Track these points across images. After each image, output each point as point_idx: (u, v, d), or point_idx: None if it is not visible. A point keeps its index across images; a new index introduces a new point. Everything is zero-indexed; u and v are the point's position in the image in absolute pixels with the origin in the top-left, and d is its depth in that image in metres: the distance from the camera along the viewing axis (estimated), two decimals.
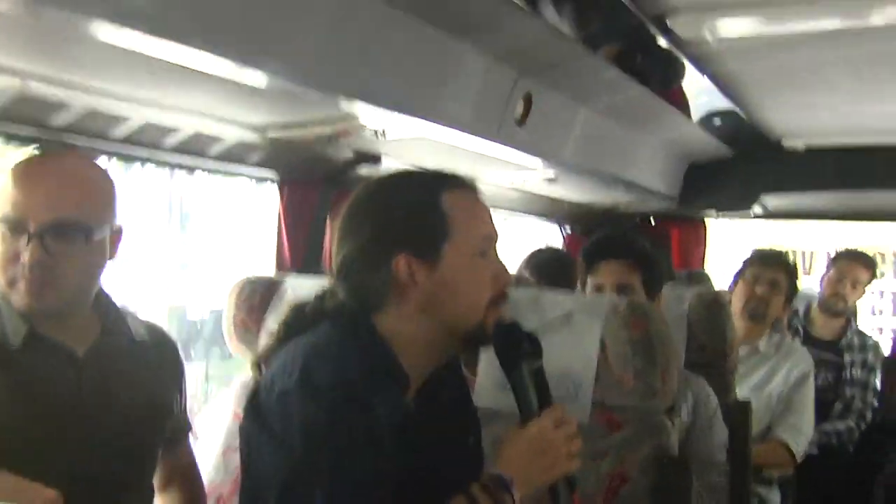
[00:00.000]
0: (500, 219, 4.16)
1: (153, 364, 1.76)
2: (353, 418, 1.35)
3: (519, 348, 1.48)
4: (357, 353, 1.42)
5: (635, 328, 1.86)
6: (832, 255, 4.05)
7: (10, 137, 1.96)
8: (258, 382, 1.46)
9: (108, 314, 1.71)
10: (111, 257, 1.67)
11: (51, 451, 1.54)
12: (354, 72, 1.98)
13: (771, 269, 3.24)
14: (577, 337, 1.90)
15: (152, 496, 1.79)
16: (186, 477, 1.91)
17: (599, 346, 1.88)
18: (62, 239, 1.56)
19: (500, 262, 1.52)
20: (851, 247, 4.06)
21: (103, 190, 1.64)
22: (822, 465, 3.48)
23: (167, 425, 1.79)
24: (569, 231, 4.56)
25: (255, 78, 1.75)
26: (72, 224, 1.56)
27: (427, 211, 1.46)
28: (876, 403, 3.77)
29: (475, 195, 1.53)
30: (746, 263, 3.32)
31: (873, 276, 3.97)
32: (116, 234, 1.66)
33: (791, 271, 3.29)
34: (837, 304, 3.82)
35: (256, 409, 1.42)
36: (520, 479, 1.43)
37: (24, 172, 1.59)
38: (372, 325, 1.47)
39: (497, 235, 1.54)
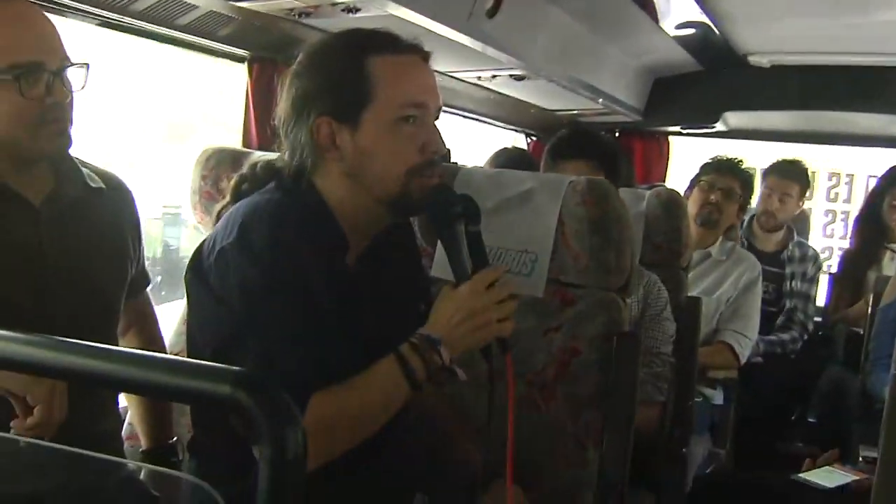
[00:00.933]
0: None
1: (111, 211, 1.76)
2: (287, 275, 1.37)
3: (451, 209, 1.47)
4: (295, 213, 1.43)
5: (593, 207, 1.90)
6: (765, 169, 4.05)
7: None
8: (204, 240, 1.47)
9: (62, 162, 1.68)
10: None
11: (14, 301, 1.55)
12: None
13: (725, 176, 3.30)
14: (535, 214, 1.94)
15: (117, 345, 1.82)
16: (146, 322, 1.93)
17: (557, 223, 1.92)
18: (69, 78, 1.57)
19: (432, 130, 1.48)
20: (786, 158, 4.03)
21: None
22: (765, 372, 3.62)
23: (129, 272, 1.80)
24: (534, 139, 4.60)
25: None
26: (72, 62, 1.57)
27: (349, 74, 1.43)
28: (816, 317, 3.89)
29: (411, 59, 1.47)
30: (702, 170, 3.38)
31: (804, 188, 3.96)
32: None
33: (746, 179, 3.36)
34: (768, 222, 3.88)
35: (199, 265, 1.44)
36: (448, 339, 1.42)
37: (16, 15, 1.55)
38: (312, 185, 1.48)
39: (433, 103, 1.48)
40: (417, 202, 1.48)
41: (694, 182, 3.38)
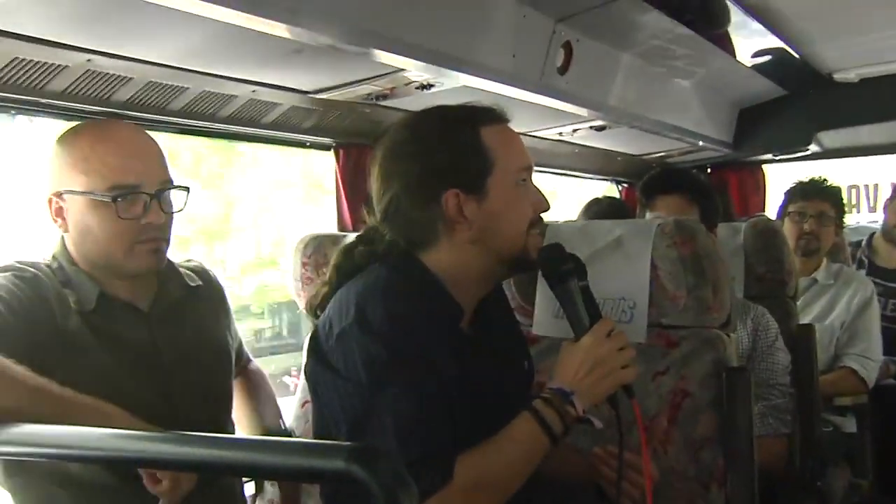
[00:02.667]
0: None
1: (210, 305, 1.88)
2: (410, 347, 1.42)
3: (563, 266, 1.55)
4: (409, 289, 1.48)
5: (684, 246, 1.90)
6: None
7: (74, 116, 2.06)
8: (316, 326, 1.52)
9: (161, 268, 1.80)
10: None
11: (136, 404, 1.63)
12: (393, 25, 2.06)
13: (814, 201, 3.22)
14: (628, 260, 1.95)
15: (234, 432, 1.90)
16: (257, 382, 2.03)
17: (651, 267, 1.92)
18: (169, 200, 1.70)
19: (538, 189, 1.59)
20: None
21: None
22: None
23: (233, 359, 1.90)
24: (625, 186, 4.59)
25: (300, 35, 1.83)
26: (174, 185, 1.71)
27: (471, 147, 1.52)
28: None
29: (508, 127, 1.59)
30: (789, 198, 3.30)
31: None
32: None
33: (836, 198, 3.28)
34: None
35: (318, 351, 1.49)
36: (579, 390, 1.48)
37: (112, 138, 1.68)
38: (421, 262, 1.53)
39: (532, 165, 1.60)
40: (531, 258, 1.56)
41: (782, 211, 3.30)
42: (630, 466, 1.61)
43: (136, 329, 1.72)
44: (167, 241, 1.72)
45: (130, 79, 2.00)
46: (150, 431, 1.40)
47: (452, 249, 1.53)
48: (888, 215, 3.78)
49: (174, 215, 1.73)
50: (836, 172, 4.84)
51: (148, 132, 1.78)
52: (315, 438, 1.58)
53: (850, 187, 5.21)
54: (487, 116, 1.56)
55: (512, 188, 1.53)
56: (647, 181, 2.61)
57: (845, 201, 3.39)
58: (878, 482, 3.28)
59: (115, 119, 1.90)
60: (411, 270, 1.52)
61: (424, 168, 1.51)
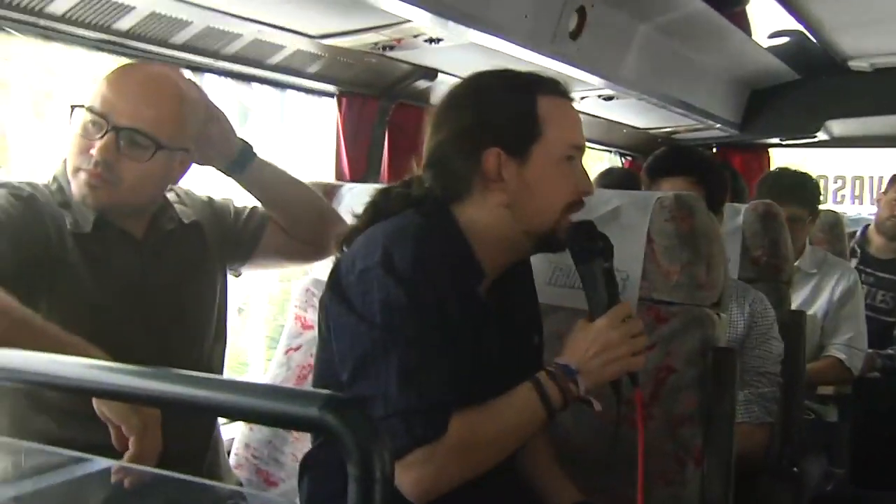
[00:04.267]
0: None
1: (203, 238, 1.86)
2: (429, 297, 1.42)
3: (594, 245, 1.53)
4: (437, 241, 1.48)
5: (682, 222, 1.87)
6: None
7: (75, 41, 2.03)
8: (339, 260, 1.53)
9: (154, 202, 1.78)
10: (174, 180, 1.76)
11: (122, 334, 1.63)
12: None
13: (786, 205, 2.90)
14: (624, 232, 1.92)
15: (218, 367, 1.88)
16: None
17: (646, 240, 1.90)
18: (132, 145, 1.63)
19: (584, 171, 1.58)
20: None
21: (184, 114, 1.69)
22: (884, 386, 3.46)
23: (217, 294, 1.88)
24: (629, 158, 4.56)
25: None
26: (145, 135, 1.63)
27: (523, 111, 1.51)
28: None
29: (569, 103, 1.59)
30: (758, 194, 3.15)
31: None
32: (184, 162, 1.74)
33: (810, 197, 3.18)
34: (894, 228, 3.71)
35: (337, 285, 1.48)
36: (584, 369, 1.48)
37: (122, 74, 1.68)
38: (453, 215, 1.54)
39: (584, 146, 1.60)
40: (561, 239, 1.55)
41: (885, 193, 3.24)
42: None
43: (128, 257, 1.71)
44: (111, 183, 1.64)
45: (133, 7, 1.96)
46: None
47: (484, 208, 1.53)
48: (882, 208, 3.75)
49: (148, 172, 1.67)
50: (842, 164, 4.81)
51: (191, 86, 1.76)
52: (316, 375, 1.60)
53: (855, 178, 5.21)
54: (548, 87, 1.55)
55: (556, 162, 1.52)
56: (651, 162, 2.54)
57: (852, 192, 3.38)
58: (853, 472, 3.30)
59: (159, 63, 1.83)
60: (443, 222, 1.52)
61: (473, 120, 1.52)
